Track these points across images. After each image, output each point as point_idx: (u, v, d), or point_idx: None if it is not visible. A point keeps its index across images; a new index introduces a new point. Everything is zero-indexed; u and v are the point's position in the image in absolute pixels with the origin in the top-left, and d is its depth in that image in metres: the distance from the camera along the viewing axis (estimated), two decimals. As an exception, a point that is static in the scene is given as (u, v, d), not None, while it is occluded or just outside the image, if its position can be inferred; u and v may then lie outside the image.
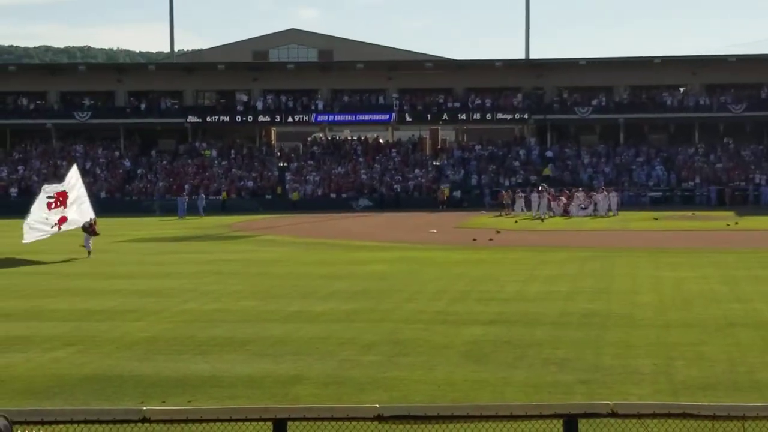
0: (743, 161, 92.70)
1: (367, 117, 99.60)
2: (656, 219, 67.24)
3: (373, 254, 43.97)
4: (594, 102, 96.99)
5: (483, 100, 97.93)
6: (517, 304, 28.69)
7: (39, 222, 45.06)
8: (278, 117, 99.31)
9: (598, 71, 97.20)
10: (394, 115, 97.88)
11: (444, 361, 20.67)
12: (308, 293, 31.79)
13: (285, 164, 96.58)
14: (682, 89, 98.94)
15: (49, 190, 46.31)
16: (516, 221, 67.57)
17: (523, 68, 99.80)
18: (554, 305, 28.44)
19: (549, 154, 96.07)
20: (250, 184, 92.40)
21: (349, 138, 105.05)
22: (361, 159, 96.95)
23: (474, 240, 51.56)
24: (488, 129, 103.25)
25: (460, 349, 21.96)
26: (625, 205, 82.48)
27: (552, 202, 75.01)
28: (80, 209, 46.27)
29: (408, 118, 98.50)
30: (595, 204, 74.74)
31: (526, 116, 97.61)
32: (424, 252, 45.84)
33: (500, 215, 74.30)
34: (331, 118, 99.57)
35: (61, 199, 45.50)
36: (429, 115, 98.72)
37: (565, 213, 73.90)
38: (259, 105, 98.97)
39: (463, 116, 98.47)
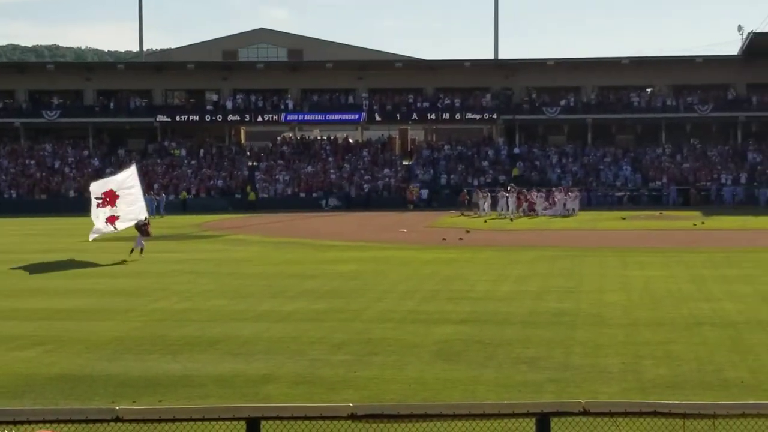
0: (709, 162, 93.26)
1: (336, 117, 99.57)
2: (624, 219, 67.57)
3: (343, 254, 44.00)
4: (562, 102, 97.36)
5: (452, 100, 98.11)
6: (488, 304, 28.79)
7: (98, 222, 44.79)
8: (248, 116, 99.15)
9: (567, 72, 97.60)
10: (363, 114, 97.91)
11: (415, 360, 20.73)
12: (279, 292, 31.79)
13: (254, 164, 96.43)
14: (649, 90, 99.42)
15: (96, 189, 45.37)
16: (485, 221, 67.73)
17: (492, 68, 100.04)
18: (524, 304, 28.56)
19: (517, 151, 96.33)
20: (219, 183, 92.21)
21: (319, 138, 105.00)
22: (330, 159, 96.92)
23: (444, 239, 51.67)
24: (457, 129, 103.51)
25: (430, 348, 22.03)
26: (592, 205, 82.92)
27: (522, 202, 75.30)
28: (132, 209, 45.36)
29: (377, 118, 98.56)
30: (564, 204, 75.10)
31: (494, 116, 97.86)
32: (394, 251, 45.89)
33: (461, 215, 74.52)
34: (300, 117, 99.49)
35: (108, 198, 44.58)
36: (398, 115, 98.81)
37: (532, 212, 74.13)
38: (229, 104, 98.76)
39: (433, 116, 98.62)
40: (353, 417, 9.85)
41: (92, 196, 45.17)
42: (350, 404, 10.39)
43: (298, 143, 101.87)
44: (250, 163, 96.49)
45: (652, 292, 31.09)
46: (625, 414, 9.93)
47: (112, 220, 44.59)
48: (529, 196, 76.16)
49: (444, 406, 10.61)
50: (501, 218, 70.62)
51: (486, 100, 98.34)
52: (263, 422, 10.01)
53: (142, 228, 44.80)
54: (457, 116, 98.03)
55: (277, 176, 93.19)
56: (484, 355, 21.13)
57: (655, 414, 9.83)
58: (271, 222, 69.93)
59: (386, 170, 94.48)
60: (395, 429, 11.40)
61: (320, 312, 27.54)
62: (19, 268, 40.42)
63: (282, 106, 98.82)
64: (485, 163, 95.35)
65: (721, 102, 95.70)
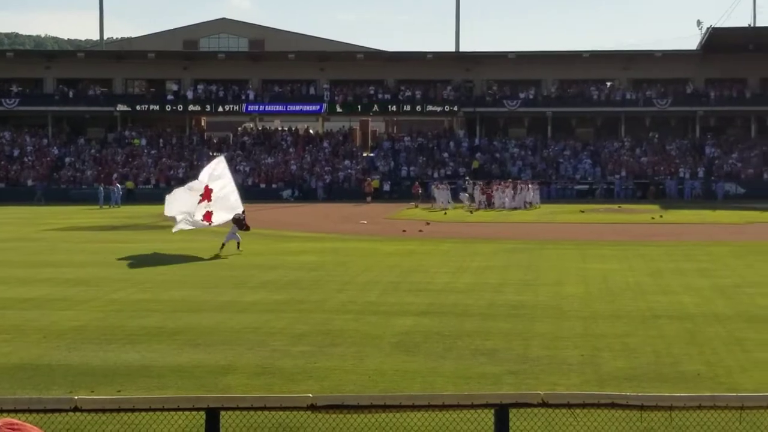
0: (668, 155, 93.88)
1: (297, 107, 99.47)
2: (583, 212, 67.94)
3: (303, 245, 44.01)
4: (522, 95, 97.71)
5: (413, 92, 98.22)
6: (447, 296, 28.88)
7: (188, 215, 42.36)
8: (208, 106, 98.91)
9: (527, 65, 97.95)
10: (324, 105, 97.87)
11: (375, 352, 20.78)
12: (239, 283, 31.75)
13: (215, 154, 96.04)
14: (609, 84, 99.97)
15: (196, 186, 43.31)
16: (445, 213, 67.87)
17: (453, 61, 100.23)
18: (483, 297, 28.67)
19: (477, 144, 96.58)
20: (180, 173, 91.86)
21: (280, 128, 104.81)
22: (291, 149, 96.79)
23: (404, 231, 51.76)
24: (418, 121, 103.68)
25: (390, 339, 22.08)
26: (552, 198, 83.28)
27: (480, 195, 75.55)
28: (227, 204, 43.17)
29: (339, 109, 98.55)
30: (524, 197, 75.42)
31: (455, 108, 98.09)
32: (355, 243, 45.93)
33: (414, 206, 74.67)
34: (261, 108, 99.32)
35: (205, 193, 42.51)
36: (360, 107, 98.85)
37: (490, 206, 74.35)
38: (190, 94, 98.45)
39: (394, 108, 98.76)
40: (313, 408, 9.88)
41: (193, 191, 42.87)
42: (310, 395, 10.43)
43: (259, 134, 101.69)
44: (211, 153, 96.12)
45: (611, 284, 31.29)
46: (583, 406, 10.01)
47: (207, 216, 42.51)
48: (487, 189, 76.38)
49: (403, 397, 10.66)
50: (462, 210, 70.87)
51: (447, 92, 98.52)
52: (223, 413, 10.02)
53: (239, 221, 42.58)
54: (418, 108, 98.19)
55: (237, 167, 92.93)
56: (444, 347, 21.21)
57: (612, 406, 9.92)
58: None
59: (347, 162, 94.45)
60: (355, 420, 11.44)
61: (281, 303, 27.53)
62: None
63: (243, 97, 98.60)
64: (446, 156, 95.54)
65: (680, 96, 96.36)
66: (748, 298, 28.36)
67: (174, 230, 43.06)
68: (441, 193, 75.52)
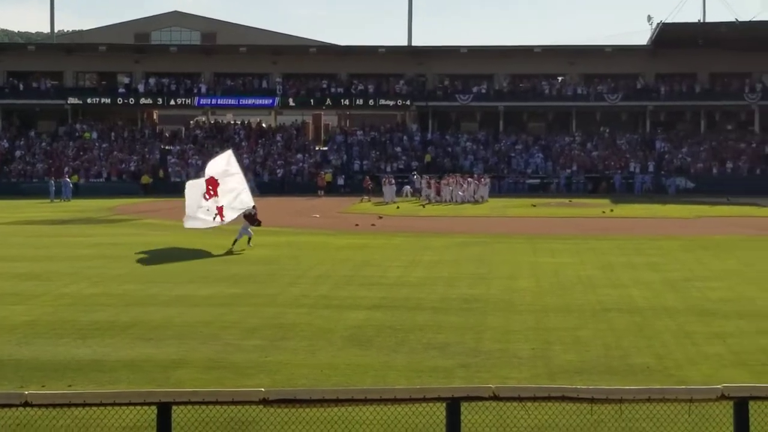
0: (619, 150, 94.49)
1: (250, 101, 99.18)
2: (534, 206, 68.27)
3: (256, 239, 43.87)
4: (475, 89, 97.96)
5: (366, 86, 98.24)
6: (400, 290, 28.94)
7: (200, 212, 41.21)
8: (160, 100, 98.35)
9: (479, 59, 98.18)
10: (277, 99, 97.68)
11: (327, 346, 20.80)
12: (191, 277, 31.65)
13: (167, 147, 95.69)
14: (560, 78, 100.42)
15: (201, 181, 42.25)
16: (398, 207, 67.94)
17: (406, 55, 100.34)
18: (435, 290, 28.76)
19: (430, 138, 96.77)
20: (131, 166, 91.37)
21: (232, 122, 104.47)
22: (244, 143, 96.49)
23: (356, 225, 51.80)
24: (371, 115, 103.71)
25: (342, 333, 22.11)
26: (503, 192, 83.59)
27: (428, 188, 75.78)
28: (237, 198, 42.08)
29: (291, 103, 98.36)
30: (474, 190, 75.69)
31: (408, 102, 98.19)
32: (308, 237, 45.91)
33: (362, 201, 74.74)
34: (213, 101, 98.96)
35: (211, 187, 41.30)
36: (312, 101, 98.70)
37: (438, 197, 74.49)
38: (141, 87, 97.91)
39: (346, 102, 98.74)
40: (265, 402, 9.89)
41: (199, 185, 41.94)
42: (262, 389, 10.43)
43: (212, 127, 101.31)
44: (163, 147, 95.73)
45: (562, 278, 31.48)
46: (534, 399, 10.08)
47: (220, 211, 41.20)
48: (437, 183, 76.51)
49: (355, 391, 10.69)
50: (417, 203, 71.11)
51: (399, 86, 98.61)
52: (174, 407, 10.01)
53: (250, 216, 41.90)
54: (371, 102, 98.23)
55: (189, 160, 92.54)
56: (396, 341, 21.27)
57: (563, 399, 9.99)
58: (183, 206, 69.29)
59: (299, 155, 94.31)
60: (307, 414, 11.46)
61: (233, 297, 27.49)
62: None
63: (195, 90, 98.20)
64: (398, 150, 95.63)
65: (631, 91, 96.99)
66: (698, 291, 28.64)
67: (186, 226, 41.81)
68: (387, 188, 75.60)
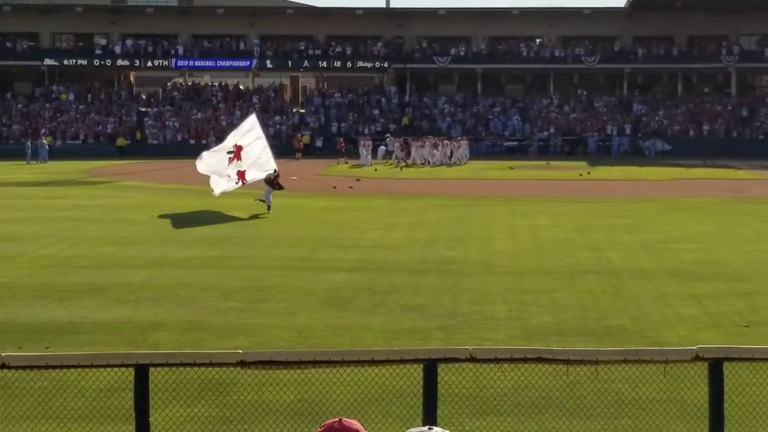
0: (596, 112, 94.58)
1: (227, 63, 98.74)
2: (512, 168, 68.36)
3: (234, 201, 43.78)
4: (453, 52, 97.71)
5: (344, 48, 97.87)
6: (377, 252, 29.00)
7: (222, 177, 40.90)
8: (137, 61, 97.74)
9: (457, 21, 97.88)
10: (254, 61, 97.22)
11: (305, 308, 20.85)
12: (169, 239, 31.63)
13: (144, 109, 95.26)
14: (538, 41, 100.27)
15: (226, 145, 41.93)
16: (375, 169, 67.89)
17: (384, 17, 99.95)
18: (413, 252, 28.84)
19: (407, 100, 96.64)
20: (108, 128, 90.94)
21: (210, 84, 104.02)
22: (221, 105, 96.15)
23: (334, 188, 51.77)
24: (348, 77, 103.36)
25: (320, 295, 22.17)
26: (481, 154, 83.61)
27: (400, 151, 75.64)
28: (258, 162, 41.42)
29: (269, 65, 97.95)
30: (451, 152, 75.66)
31: (386, 65, 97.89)
32: (286, 199, 45.77)
33: (338, 163, 74.63)
34: (191, 63, 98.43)
35: (236, 152, 40.83)
36: (290, 63, 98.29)
37: (408, 159, 74.39)
38: (118, 49, 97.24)
39: (324, 64, 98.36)
40: (242, 364, 9.90)
41: (223, 149, 41.72)
42: (239, 351, 10.45)
43: (189, 89, 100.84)
44: (140, 109, 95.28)
45: (539, 240, 31.59)
46: (511, 360, 10.12)
47: (241, 175, 40.79)
48: (406, 145, 76.32)
49: (333, 353, 10.72)
50: (390, 166, 71.08)
51: (377, 48, 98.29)
52: (152, 369, 10.00)
53: (271, 181, 41.00)
54: (349, 64, 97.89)
55: (167, 122, 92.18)
56: (373, 303, 21.33)
57: (539, 360, 10.04)
58: (161, 168, 69.24)
59: (277, 117, 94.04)
60: (285, 376, 11.50)
61: (212, 259, 27.49)
62: None
63: (172, 52, 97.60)
64: (376, 112, 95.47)
65: (608, 53, 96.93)
66: (674, 253, 28.80)
67: (216, 193, 41.20)
68: (364, 150, 75.49)
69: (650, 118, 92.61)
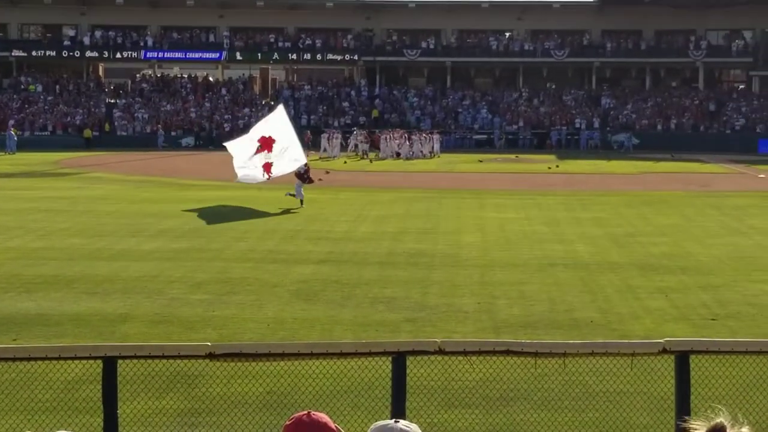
0: (565, 106, 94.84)
1: (197, 55, 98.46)
2: (481, 161, 68.45)
3: (203, 193, 43.77)
4: (423, 45, 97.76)
5: (313, 41, 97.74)
6: (347, 244, 29.02)
7: (248, 166, 39.80)
8: (106, 53, 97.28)
9: (427, 14, 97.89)
10: (224, 53, 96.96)
11: (274, 300, 20.85)
12: (137, 231, 31.51)
13: (113, 101, 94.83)
14: (507, 34, 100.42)
15: (254, 135, 40.53)
16: (345, 162, 67.86)
17: (354, 10, 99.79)
18: (382, 245, 28.86)
19: (377, 93, 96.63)
20: (77, 120, 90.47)
21: (179, 76, 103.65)
22: (190, 97, 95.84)
23: (303, 180, 51.62)
24: (318, 69, 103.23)
25: (289, 288, 22.17)
26: (450, 147, 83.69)
27: (364, 143, 75.65)
28: (287, 155, 40.07)
29: (238, 57, 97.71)
30: (421, 145, 75.74)
31: (355, 57, 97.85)
32: (255, 191, 45.71)
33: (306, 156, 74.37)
34: (160, 55, 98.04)
35: (263, 143, 39.43)
36: (260, 55, 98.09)
37: (375, 149, 74.51)
38: (87, 40, 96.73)
39: (294, 56, 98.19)
40: (211, 356, 9.90)
41: (250, 139, 40.53)
42: (208, 343, 10.46)
43: (158, 81, 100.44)
44: (108, 101, 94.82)
45: (508, 233, 31.69)
46: (479, 353, 10.16)
47: (267, 167, 39.47)
48: (367, 137, 76.40)
49: (302, 345, 10.73)
50: (354, 159, 70.91)
51: (347, 41, 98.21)
52: (120, 361, 9.98)
53: (301, 175, 40.13)
54: (319, 57, 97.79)
55: (135, 114, 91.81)
56: (342, 295, 21.35)
57: (508, 353, 10.07)
58: (129, 160, 68.97)
59: (246, 109, 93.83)
60: (253, 368, 11.50)
61: (180, 251, 27.43)
62: None
63: (141, 43, 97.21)
64: (346, 105, 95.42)
65: (577, 47, 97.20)
66: (641, 247, 28.95)
67: (237, 179, 40.59)
68: (332, 142, 75.41)
69: (618, 111, 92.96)
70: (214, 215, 36.13)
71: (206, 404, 13.43)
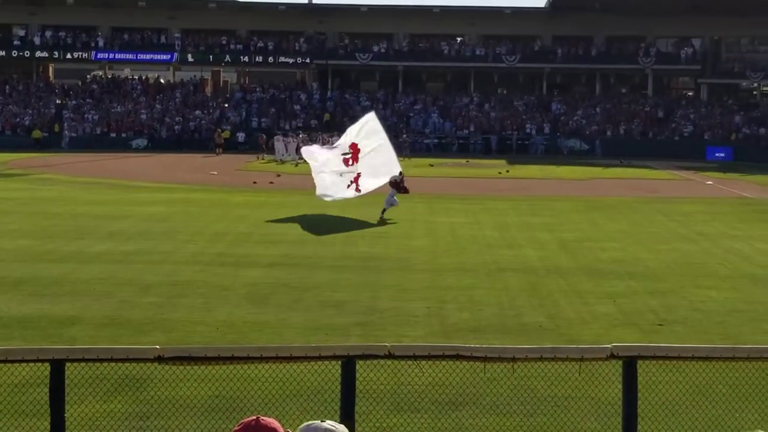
0: (516, 111, 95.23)
1: (148, 56, 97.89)
2: (432, 166, 68.57)
3: (152, 195, 43.53)
4: (375, 49, 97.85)
5: (266, 43, 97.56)
6: (298, 247, 28.99)
7: (334, 182, 37.10)
8: (57, 53, 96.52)
9: (379, 18, 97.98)
10: (176, 55, 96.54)
11: (223, 303, 20.80)
12: (86, 233, 31.31)
13: (63, 102, 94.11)
14: (459, 39, 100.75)
15: (341, 143, 38.54)
16: (296, 165, 67.62)
17: (306, 13, 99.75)
18: (333, 249, 28.87)
19: (329, 96, 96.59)
20: (26, 120, 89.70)
21: (130, 77, 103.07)
22: (141, 99, 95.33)
23: (255, 183, 51.57)
24: (270, 72, 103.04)
25: (239, 291, 22.12)
26: (401, 152, 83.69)
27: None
28: (376, 163, 37.79)
29: (190, 59, 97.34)
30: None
31: (308, 60, 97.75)
32: (205, 194, 45.64)
33: (258, 159, 74.21)
34: (111, 56, 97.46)
35: (352, 152, 37.13)
36: (211, 57, 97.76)
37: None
38: (37, 40, 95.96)
39: (246, 59, 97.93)
40: (160, 359, 9.86)
41: (339, 150, 37.97)
42: (157, 346, 10.40)
43: (109, 82, 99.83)
44: (59, 101, 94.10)
45: (458, 238, 31.78)
46: (429, 357, 10.19)
47: (356, 179, 37.14)
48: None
49: (251, 349, 10.71)
50: (280, 163, 70.19)
51: (299, 44, 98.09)
52: (68, 364, 9.92)
53: (396, 183, 38.02)
54: (271, 60, 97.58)
55: (86, 115, 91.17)
56: (292, 299, 21.34)
57: (457, 357, 10.11)
58: (79, 161, 68.49)
59: (198, 112, 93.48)
60: (202, 371, 11.47)
61: (129, 254, 27.28)
62: None
63: (92, 44, 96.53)
64: (297, 108, 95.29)
65: (529, 53, 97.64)
66: (590, 252, 29.15)
67: (319, 194, 37.35)
68: (279, 145, 75.15)
69: (569, 117, 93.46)
70: (159, 217, 35.94)
71: (155, 408, 13.36)
